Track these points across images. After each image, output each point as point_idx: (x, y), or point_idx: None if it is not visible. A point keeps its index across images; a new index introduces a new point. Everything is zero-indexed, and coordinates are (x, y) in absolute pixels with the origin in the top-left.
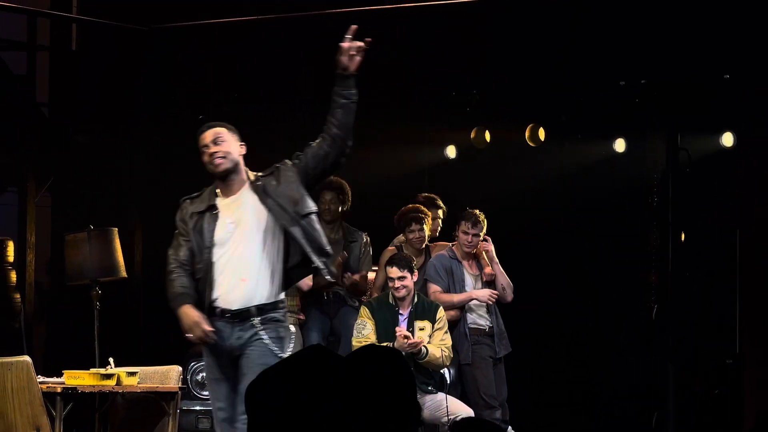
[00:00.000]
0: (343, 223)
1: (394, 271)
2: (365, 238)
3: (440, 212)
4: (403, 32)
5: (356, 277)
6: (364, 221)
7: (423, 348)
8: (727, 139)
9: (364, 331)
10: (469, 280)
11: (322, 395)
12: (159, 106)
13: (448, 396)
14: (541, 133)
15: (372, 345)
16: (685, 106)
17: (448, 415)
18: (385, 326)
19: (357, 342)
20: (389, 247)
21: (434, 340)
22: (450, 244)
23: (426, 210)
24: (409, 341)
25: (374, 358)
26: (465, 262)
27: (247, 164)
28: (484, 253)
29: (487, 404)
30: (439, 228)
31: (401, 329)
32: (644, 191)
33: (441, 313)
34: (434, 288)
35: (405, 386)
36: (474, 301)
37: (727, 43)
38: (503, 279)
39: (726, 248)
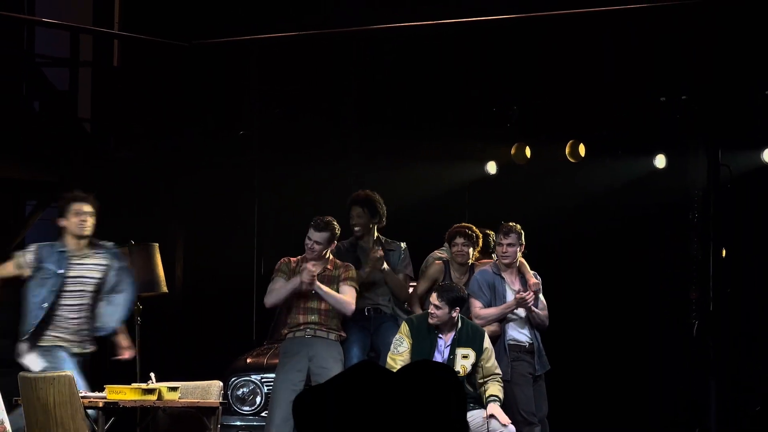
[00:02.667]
0: (380, 237)
1: (433, 297)
2: (404, 246)
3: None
4: (444, 48)
5: (379, 252)
6: (405, 237)
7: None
8: None
9: (400, 348)
10: (510, 295)
11: (372, 411)
12: (200, 122)
13: (490, 410)
14: (582, 150)
15: (427, 360)
16: (725, 122)
17: (488, 430)
18: (421, 349)
19: (391, 357)
20: (436, 261)
21: (486, 372)
22: (494, 260)
23: (477, 231)
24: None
25: (428, 374)
26: (507, 277)
27: (290, 176)
28: (526, 265)
29: (526, 421)
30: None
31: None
32: (685, 207)
33: (488, 342)
34: (476, 304)
35: (456, 404)
36: (512, 315)
37: None
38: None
39: (767, 264)
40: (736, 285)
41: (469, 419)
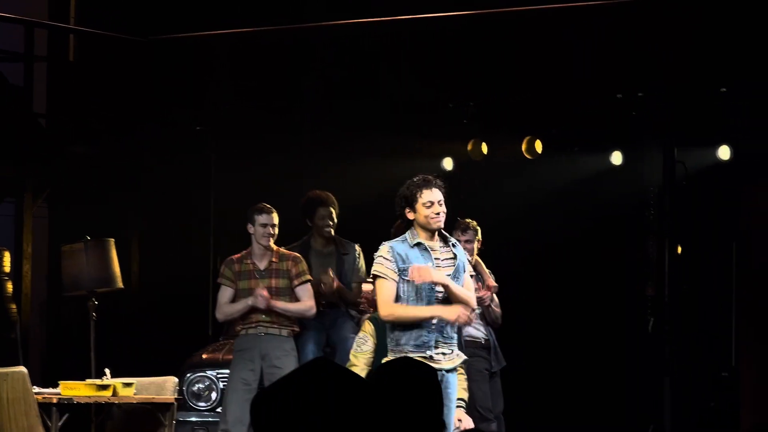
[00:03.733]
0: (336, 236)
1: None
2: (358, 249)
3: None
4: (401, 44)
5: (336, 283)
6: (360, 234)
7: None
8: (724, 153)
9: (365, 347)
10: None
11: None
12: (157, 117)
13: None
14: (538, 146)
15: (408, 357)
16: (681, 120)
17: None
18: (384, 349)
19: (354, 356)
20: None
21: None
22: None
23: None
24: None
25: (407, 373)
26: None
27: (246, 172)
28: (482, 263)
29: (483, 417)
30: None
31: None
32: (641, 204)
33: None
34: None
35: (433, 404)
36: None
37: (724, 57)
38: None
39: (722, 261)
40: (691, 282)
41: None
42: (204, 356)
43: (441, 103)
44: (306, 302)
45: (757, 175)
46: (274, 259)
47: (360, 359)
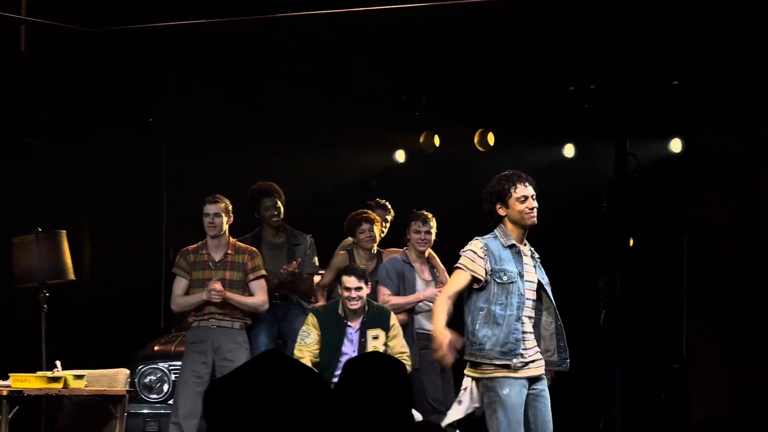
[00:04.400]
0: (287, 227)
1: (351, 281)
2: (309, 239)
3: (388, 217)
4: (354, 36)
5: (294, 265)
6: (313, 225)
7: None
8: (676, 145)
9: (308, 340)
10: (420, 284)
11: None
12: (109, 109)
13: None
14: (491, 138)
15: (377, 352)
16: (633, 112)
17: None
18: (331, 338)
19: (299, 349)
20: (339, 251)
21: (394, 349)
22: (402, 249)
23: (375, 215)
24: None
25: (377, 367)
26: (417, 266)
27: (195, 165)
28: (436, 256)
29: (435, 409)
30: (385, 231)
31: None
32: (593, 196)
33: (394, 319)
34: (384, 291)
35: (402, 398)
36: (422, 305)
37: (676, 50)
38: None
39: (674, 254)
40: (643, 274)
41: None
42: (156, 348)
43: (394, 95)
44: (260, 297)
45: (709, 168)
46: (230, 252)
47: (305, 352)
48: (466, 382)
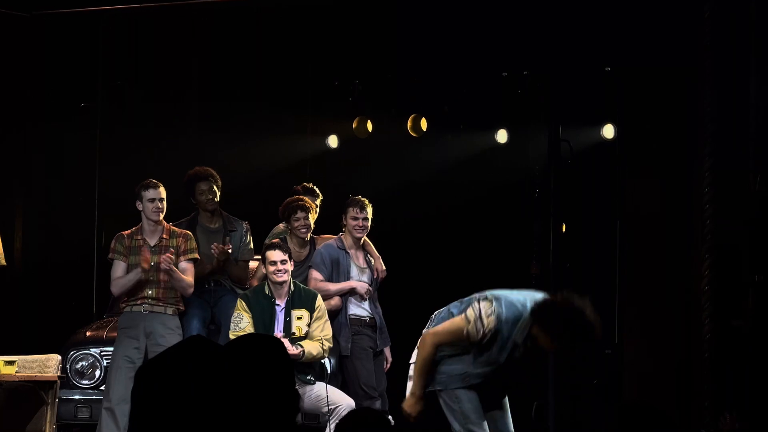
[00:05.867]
0: (223, 212)
1: (276, 254)
2: (245, 226)
3: (317, 201)
4: (287, 21)
5: (226, 247)
6: (245, 211)
7: (301, 352)
8: (608, 131)
9: (241, 324)
10: (354, 271)
11: (202, 384)
12: (42, 94)
13: (328, 386)
14: (424, 124)
15: (253, 334)
16: (566, 98)
17: (328, 405)
18: (263, 318)
19: (234, 334)
20: (273, 240)
21: (314, 332)
22: (338, 235)
23: (310, 201)
24: (290, 352)
25: (254, 347)
26: (353, 253)
27: (132, 149)
28: (370, 243)
29: (367, 395)
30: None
31: (279, 334)
32: (526, 182)
33: (319, 301)
34: (315, 275)
35: (284, 374)
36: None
37: (608, 36)
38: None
39: (606, 240)
40: (575, 260)
41: (308, 393)
42: (88, 334)
43: (326, 81)
44: (188, 278)
45: (641, 154)
46: (164, 236)
47: None
48: None
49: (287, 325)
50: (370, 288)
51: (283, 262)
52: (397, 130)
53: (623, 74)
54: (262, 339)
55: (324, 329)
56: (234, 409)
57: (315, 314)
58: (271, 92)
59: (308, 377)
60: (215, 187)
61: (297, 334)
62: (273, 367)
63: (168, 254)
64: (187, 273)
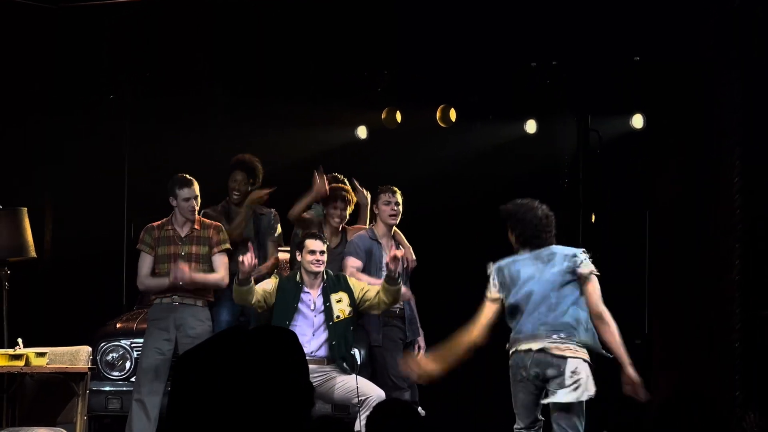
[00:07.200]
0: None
1: (317, 244)
2: (273, 212)
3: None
4: (316, 10)
5: (271, 261)
6: (275, 200)
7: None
8: (637, 121)
9: (266, 286)
10: (386, 261)
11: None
12: (70, 86)
13: (358, 377)
14: (453, 114)
15: (267, 325)
16: (595, 88)
17: (358, 396)
18: (285, 302)
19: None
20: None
21: (369, 294)
22: (369, 226)
23: (353, 195)
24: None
25: (269, 338)
26: (384, 243)
27: (161, 141)
28: (401, 234)
29: (396, 385)
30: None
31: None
32: (555, 172)
33: (352, 280)
34: (352, 263)
35: (297, 366)
36: None
37: (638, 26)
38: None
39: (635, 230)
40: (604, 250)
41: (339, 384)
42: (118, 325)
43: (355, 71)
44: (220, 272)
45: (670, 144)
46: (196, 227)
47: (258, 290)
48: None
49: (328, 310)
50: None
51: (322, 252)
52: (426, 120)
53: (652, 64)
54: (278, 331)
55: (370, 283)
56: (250, 402)
57: (356, 291)
58: (299, 83)
59: (344, 364)
60: (249, 179)
61: (342, 317)
62: (287, 359)
63: (182, 266)
64: (219, 266)
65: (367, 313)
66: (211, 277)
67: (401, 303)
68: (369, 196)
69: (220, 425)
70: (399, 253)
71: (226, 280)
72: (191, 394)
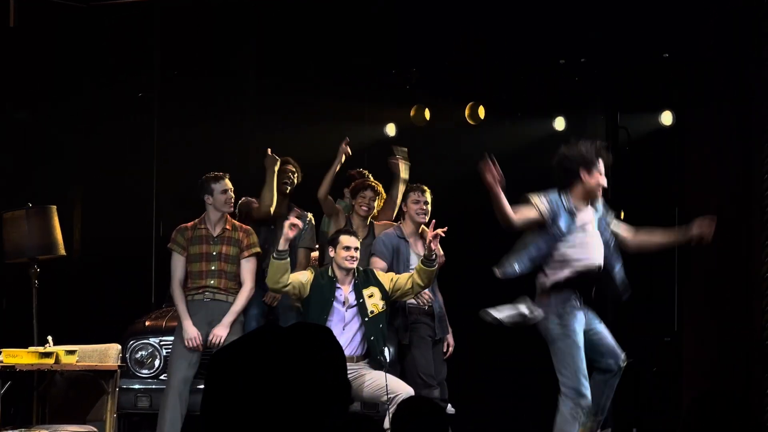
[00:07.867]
0: (290, 203)
1: (352, 240)
2: (310, 216)
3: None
4: (345, 8)
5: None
6: (304, 198)
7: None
8: (666, 118)
9: (301, 277)
10: (414, 259)
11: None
12: (99, 84)
13: (388, 375)
14: (481, 112)
15: (303, 322)
16: (624, 85)
17: (387, 394)
18: (323, 297)
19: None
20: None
21: (400, 282)
22: (397, 223)
23: (382, 189)
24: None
25: (306, 336)
26: (412, 241)
27: (189, 138)
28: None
29: (425, 383)
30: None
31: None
32: None
33: (379, 273)
34: (378, 264)
35: (335, 363)
36: None
37: (666, 23)
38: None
39: (664, 226)
40: None
41: (368, 381)
42: (147, 323)
43: (384, 69)
44: (247, 284)
45: (700, 141)
46: (227, 227)
47: (293, 278)
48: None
49: (362, 306)
50: (432, 297)
51: (356, 249)
52: (455, 118)
53: (681, 61)
54: (314, 328)
55: (401, 275)
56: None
57: (386, 284)
58: (328, 81)
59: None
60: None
61: (375, 311)
62: (325, 356)
63: (291, 219)
64: (246, 274)
65: (395, 310)
66: (240, 303)
67: (430, 300)
68: (406, 170)
69: (257, 423)
70: (441, 231)
71: (253, 291)
72: (227, 392)
